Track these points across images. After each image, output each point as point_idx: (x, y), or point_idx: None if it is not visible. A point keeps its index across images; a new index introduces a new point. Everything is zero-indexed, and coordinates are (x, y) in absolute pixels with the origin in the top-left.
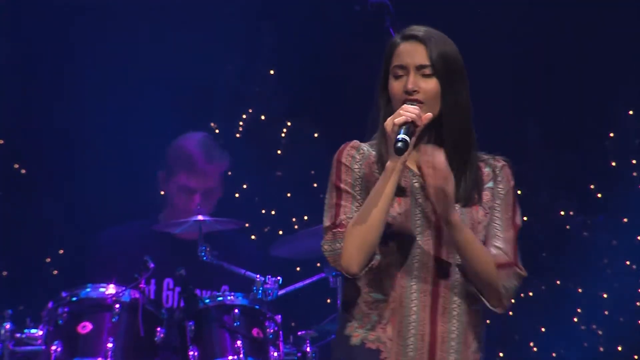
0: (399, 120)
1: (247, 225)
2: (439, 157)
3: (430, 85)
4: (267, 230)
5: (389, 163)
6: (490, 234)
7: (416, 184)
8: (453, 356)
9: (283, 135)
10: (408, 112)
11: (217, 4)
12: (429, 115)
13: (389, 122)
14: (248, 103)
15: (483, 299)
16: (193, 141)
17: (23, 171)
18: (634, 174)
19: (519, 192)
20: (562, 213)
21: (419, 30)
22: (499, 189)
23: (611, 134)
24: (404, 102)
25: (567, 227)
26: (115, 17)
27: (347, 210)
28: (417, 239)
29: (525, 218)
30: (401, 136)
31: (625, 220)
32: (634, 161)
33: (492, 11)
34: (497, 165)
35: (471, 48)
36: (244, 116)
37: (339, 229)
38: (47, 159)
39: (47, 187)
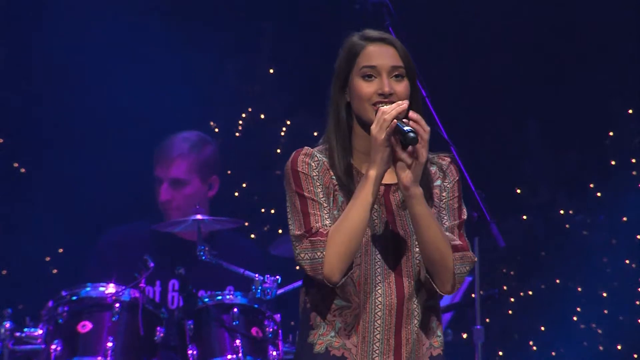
0: (390, 126)
1: (246, 224)
2: (422, 121)
3: (403, 86)
4: (267, 230)
5: (372, 172)
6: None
7: None
8: (414, 355)
9: (283, 134)
10: (389, 114)
11: (218, 4)
12: (406, 102)
13: (378, 132)
14: (248, 102)
15: (434, 285)
16: (171, 137)
17: (23, 170)
18: (634, 173)
19: (518, 191)
20: (562, 212)
21: (382, 33)
22: (446, 184)
23: (611, 133)
24: (375, 104)
25: (567, 226)
26: (115, 17)
27: (319, 218)
28: (378, 244)
29: (525, 217)
30: (407, 128)
31: (625, 219)
32: (633, 160)
33: (492, 11)
34: (442, 163)
35: (471, 48)
36: (244, 115)
37: (319, 237)
38: (47, 159)
39: (47, 187)
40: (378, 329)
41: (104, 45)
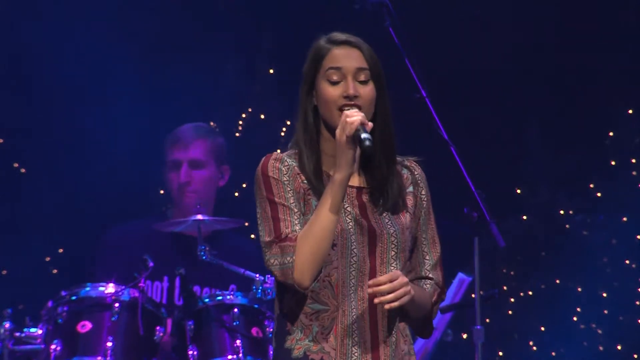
0: (350, 129)
1: (246, 224)
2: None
3: (368, 89)
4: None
5: (337, 175)
6: (419, 258)
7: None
8: (393, 358)
9: (282, 134)
10: (353, 118)
11: (218, 4)
12: (371, 124)
13: (340, 135)
14: (248, 103)
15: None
16: (184, 125)
17: (23, 170)
18: (634, 173)
19: (518, 191)
20: (562, 212)
21: (348, 36)
22: (422, 197)
23: (611, 133)
24: (341, 107)
25: (567, 226)
26: (115, 17)
27: (289, 224)
28: (353, 246)
29: (525, 217)
30: (365, 135)
31: (625, 219)
32: (633, 160)
33: (492, 11)
34: (414, 168)
35: (471, 48)
36: (244, 115)
37: (288, 242)
38: (47, 159)
39: (47, 187)
40: (356, 331)
41: (104, 45)
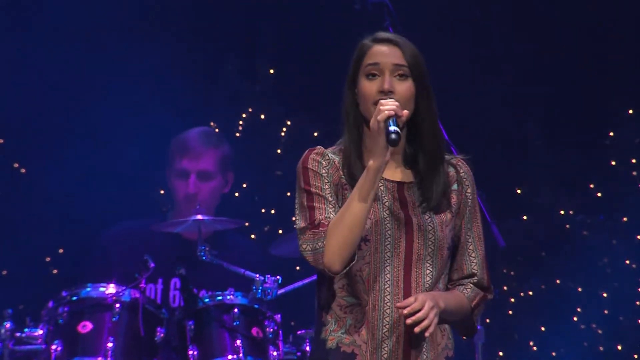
0: (382, 116)
1: (247, 224)
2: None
3: (406, 86)
4: (267, 230)
5: (371, 162)
6: (464, 257)
7: (382, 187)
8: (425, 355)
9: (283, 134)
10: (388, 106)
11: (218, 4)
12: (407, 112)
13: (374, 122)
14: (248, 102)
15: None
16: (191, 131)
17: (23, 171)
18: (634, 173)
19: (518, 191)
20: (562, 212)
21: (392, 35)
22: (468, 195)
23: (611, 133)
24: (376, 102)
25: (567, 226)
26: (115, 17)
27: (323, 212)
28: (388, 241)
29: (525, 217)
30: (393, 128)
31: (625, 219)
32: (633, 161)
33: (492, 11)
34: (460, 166)
35: (471, 48)
36: (244, 115)
37: (320, 229)
38: (47, 159)
39: (47, 187)
40: (387, 326)
41: (104, 45)
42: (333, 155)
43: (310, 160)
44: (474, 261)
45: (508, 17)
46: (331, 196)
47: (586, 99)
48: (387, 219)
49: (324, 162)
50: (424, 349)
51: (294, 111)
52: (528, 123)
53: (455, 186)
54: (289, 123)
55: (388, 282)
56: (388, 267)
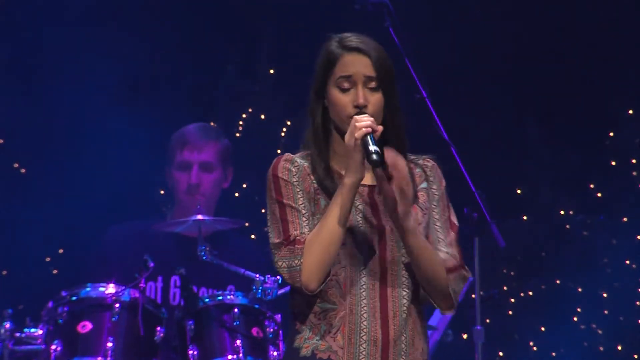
0: (359, 134)
1: (247, 224)
2: (400, 160)
3: (376, 98)
4: (267, 230)
5: (347, 180)
6: (433, 238)
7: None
8: (403, 358)
9: (283, 134)
10: (364, 122)
11: (218, 4)
12: (381, 127)
13: (349, 139)
14: (248, 103)
15: (434, 304)
16: (190, 125)
17: (23, 171)
18: (634, 173)
19: (518, 191)
20: (562, 212)
21: (360, 41)
22: (434, 190)
23: (611, 134)
24: (351, 115)
25: (567, 226)
26: (115, 17)
27: (297, 227)
28: (362, 245)
29: (525, 217)
30: (373, 148)
31: (625, 219)
32: (633, 161)
33: (492, 11)
34: (427, 165)
35: (471, 48)
36: (244, 116)
37: (297, 246)
38: (47, 159)
39: (47, 187)
40: (364, 330)
41: (104, 45)
42: (302, 161)
43: (280, 168)
44: (442, 243)
45: (508, 17)
46: (304, 207)
47: (586, 99)
48: (361, 222)
49: (293, 170)
50: (402, 353)
51: (294, 111)
52: (528, 123)
53: (424, 184)
54: (289, 123)
55: (364, 286)
56: (364, 271)
